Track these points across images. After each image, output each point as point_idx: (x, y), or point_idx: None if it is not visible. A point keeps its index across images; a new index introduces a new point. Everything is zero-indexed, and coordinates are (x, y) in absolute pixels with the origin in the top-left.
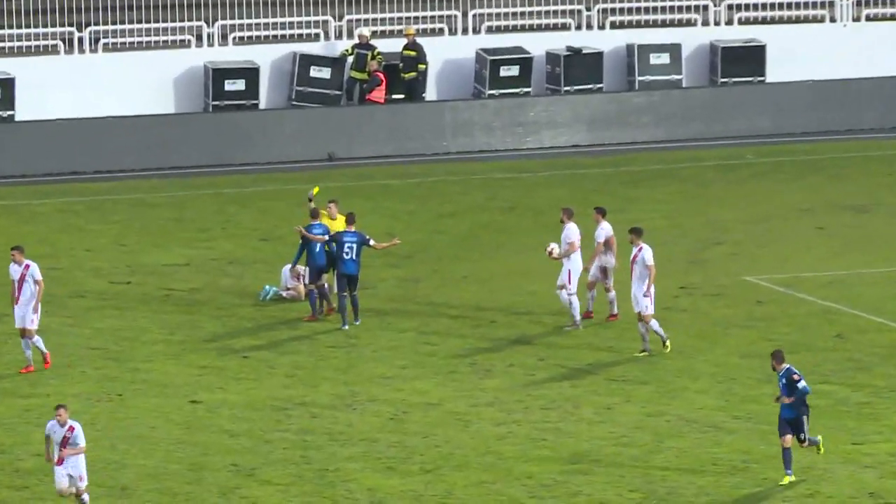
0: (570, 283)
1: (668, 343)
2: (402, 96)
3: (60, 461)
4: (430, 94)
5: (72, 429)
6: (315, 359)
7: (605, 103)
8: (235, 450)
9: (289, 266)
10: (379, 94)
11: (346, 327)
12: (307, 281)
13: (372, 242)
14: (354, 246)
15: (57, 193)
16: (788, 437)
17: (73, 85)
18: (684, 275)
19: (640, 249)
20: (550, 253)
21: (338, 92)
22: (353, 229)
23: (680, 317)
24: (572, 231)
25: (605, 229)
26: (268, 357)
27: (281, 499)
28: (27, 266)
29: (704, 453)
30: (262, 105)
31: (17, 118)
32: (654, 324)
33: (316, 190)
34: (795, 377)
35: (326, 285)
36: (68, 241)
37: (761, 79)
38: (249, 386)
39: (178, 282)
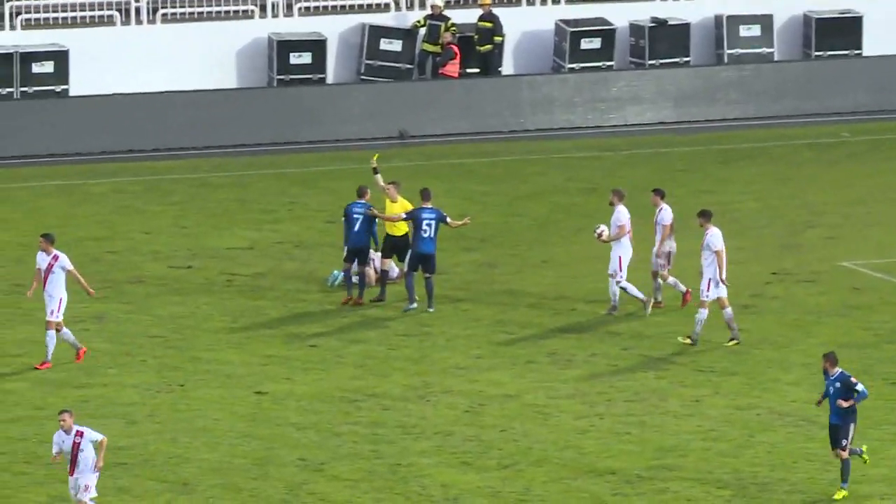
0: (620, 269)
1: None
2: (476, 70)
3: (72, 471)
4: (507, 67)
5: (80, 433)
6: (386, 348)
7: (691, 78)
8: (303, 443)
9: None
10: (453, 68)
11: (415, 306)
12: (344, 260)
13: (448, 220)
14: (433, 223)
15: (113, 173)
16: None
17: (129, 58)
18: (776, 260)
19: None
20: (600, 236)
21: (409, 66)
22: (430, 205)
23: (771, 304)
24: (623, 214)
25: (668, 211)
26: (336, 346)
27: (350, 495)
28: (56, 257)
29: (797, 448)
30: (329, 79)
31: (71, 93)
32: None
33: (376, 156)
34: (853, 380)
35: (396, 271)
36: (125, 223)
37: (858, 52)
38: (317, 376)
39: (242, 266)
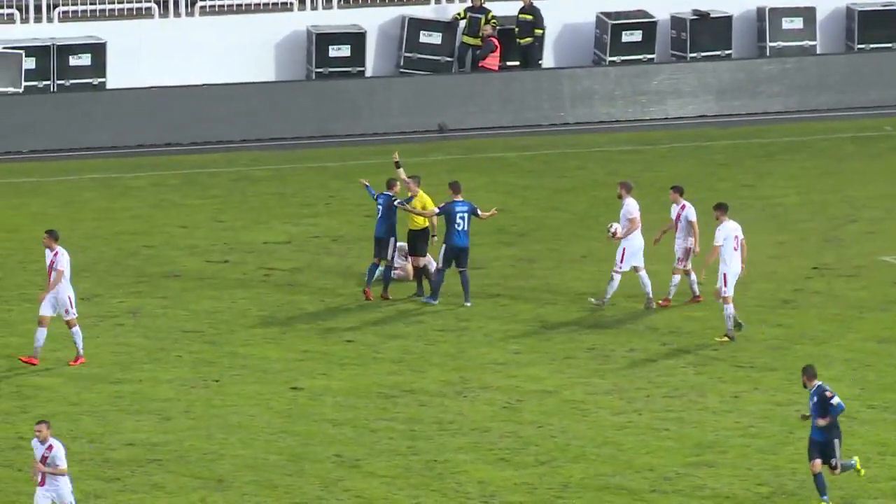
0: (621, 261)
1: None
2: (517, 63)
3: (42, 482)
4: (547, 60)
5: (51, 447)
6: (423, 343)
7: (733, 71)
8: (339, 440)
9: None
10: (493, 60)
11: (436, 302)
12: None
13: (479, 212)
14: (466, 216)
15: (150, 166)
16: (818, 461)
17: (167, 50)
18: (817, 254)
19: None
20: (614, 234)
21: (449, 58)
22: (461, 198)
23: (812, 299)
24: (632, 206)
25: (690, 208)
26: (373, 341)
27: (386, 491)
28: (56, 253)
29: None
30: (368, 72)
31: (108, 86)
32: (729, 308)
33: (396, 154)
34: (828, 394)
35: (433, 264)
36: (163, 217)
37: None
38: (354, 372)
39: (279, 261)
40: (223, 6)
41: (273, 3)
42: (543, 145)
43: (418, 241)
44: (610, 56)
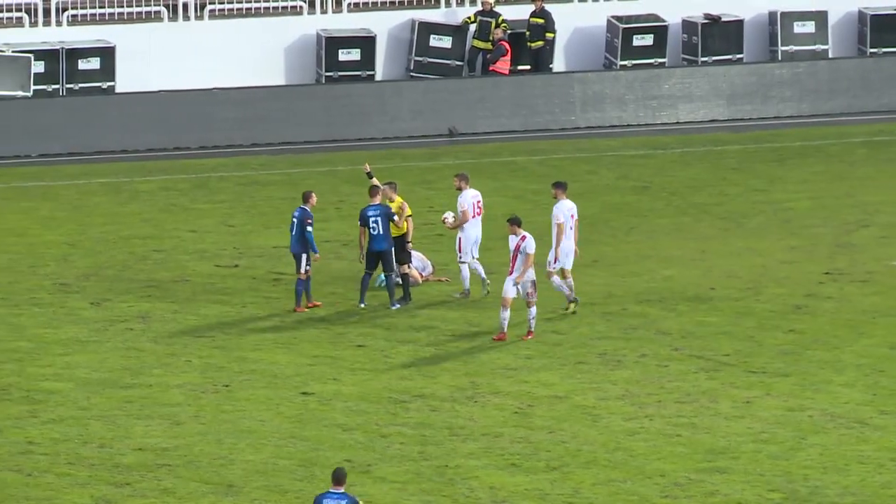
0: (460, 251)
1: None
2: (528, 67)
3: None
4: (558, 64)
5: None
6: (434, 348)
7: (745, 75)
8: (349, 445)
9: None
10: (503, 64)
11: (363, 305)
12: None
13: (396, 218)
14: (380, 220)
15: (160, 170)
16: None
17: (176, 54)
18: (829, 260)
19: (522, 239)
20: (444, 221)
21: (459, 62)
22: (376, 202)
23: (825, 304)
24: (466, 198)
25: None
26: (384, 346)
27: (397, 497)
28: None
29: (850, 451)
30: (378, 76)
31: (117, 89)
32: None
33: (367, 164)
34: None
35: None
36: (172, 221)
37: None
38: (364, 377)
39: (289, 266)
40: (232, 10)
41: (283, 7)
42: (554, 150)
43: (399, 249)
44: (621, 60)
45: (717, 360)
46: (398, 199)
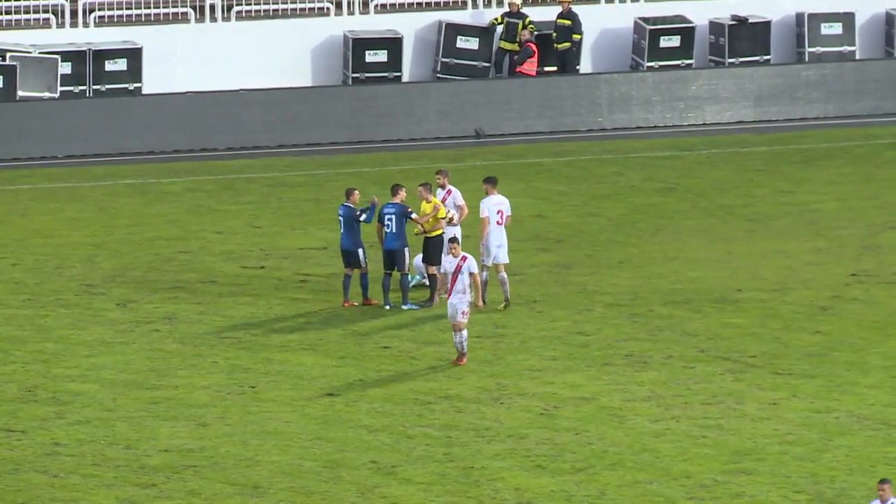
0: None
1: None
2: (554, 68)
3: None
4: (585, 66)
5: None
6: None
7: (772, 76)
8: (375, 446)
9: (420, 255)
10: (530, 66)
11: (388, 307)
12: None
13: (414, 216)
14: (395, 218)
15: (186, 171)
16: None
17: (203, 55)
18: (856, 261)
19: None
20: (451, 221)
21: (486, 64)
22: (396, 200)
23: (851, 306)
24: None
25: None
26: (409, 347)
27: (423, 498)
28: None
29: (876, 452)
30: (405, 78)
31: (144, 91)
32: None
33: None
34: None
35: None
36: (198, 222)
37: None
38: (390, 378)
39: (316, 267)
40: (259, 11)
41: (310, 9)
42: (581, 151)
43: (431, 250)
44: (648, 61)
45: (744, 361)
46: (434, 199)
